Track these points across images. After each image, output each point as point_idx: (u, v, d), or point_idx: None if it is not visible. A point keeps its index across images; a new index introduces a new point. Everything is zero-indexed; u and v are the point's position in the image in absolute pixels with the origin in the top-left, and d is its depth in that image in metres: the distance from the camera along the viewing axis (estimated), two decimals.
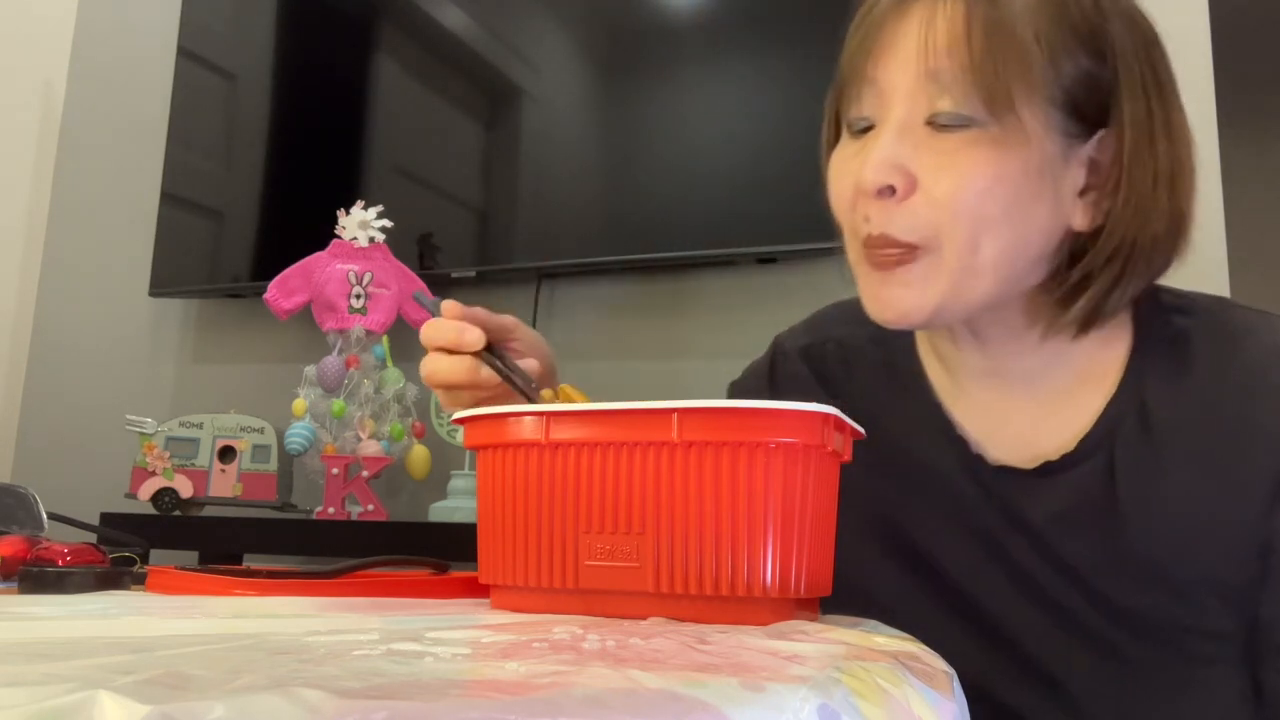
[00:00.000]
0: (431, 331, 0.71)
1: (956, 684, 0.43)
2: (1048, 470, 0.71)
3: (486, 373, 0.70)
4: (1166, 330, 0.71)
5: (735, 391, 0.91)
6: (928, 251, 0.65)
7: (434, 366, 0.71)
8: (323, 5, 2.08)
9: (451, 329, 0.70)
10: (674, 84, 1.74)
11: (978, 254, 0.64)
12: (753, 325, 1.76)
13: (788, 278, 1.68)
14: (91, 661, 0.31)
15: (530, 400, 0.68)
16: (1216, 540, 0.67)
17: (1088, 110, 0.65)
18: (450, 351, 0.70)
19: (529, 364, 0.73)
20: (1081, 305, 0.67)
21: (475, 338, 0.69)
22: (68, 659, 0.31)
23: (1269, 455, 0.67)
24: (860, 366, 0.82)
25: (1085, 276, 0.67)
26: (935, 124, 0.64)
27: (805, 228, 1.61)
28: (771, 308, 1.69)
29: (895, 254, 0.65)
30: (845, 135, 0.70)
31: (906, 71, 0.65)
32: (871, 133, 0.67)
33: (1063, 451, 0.71)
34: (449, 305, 0.71)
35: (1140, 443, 0.69)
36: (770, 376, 0.87)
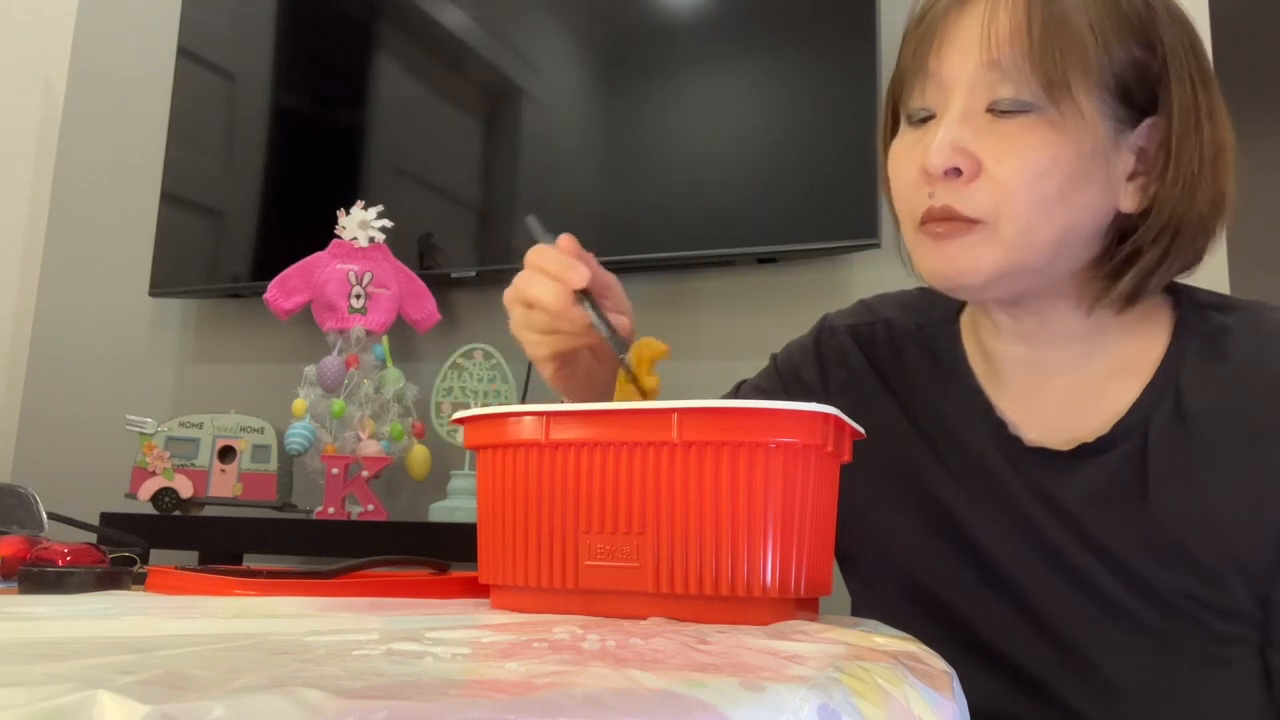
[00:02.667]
0: (539, 255, 0.72)
1: (956, 684, 0.43)
2: (1082, 452, 0.74)
3: (577, 312, 0.70)
4: (1204, 325, 0.74)
5: (779, 365, 0.93)
6: (987, 225, 0.68)
7: (529, 282, 0.71)
8: (323, 5, 2.08)
9: (561, 259, 0.71)
10: (674, 84, 1.74)
11: (1034, 231, 0.68)
12: (753, 325, 1.76)
13: (788, 278, 1.68)
14: (91, 661, 0.31)
15: (618, 350, 0.69)
16: (1241, 524, 0.69)
17: (1137, 98, 0.69)
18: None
19: (620, 320, 0.73)
20: (1129, 279, 0.71)
21: (581, 275, 0.70)
22: (68, 659, 0.31)
23: None
24: (906, 349, 0.85)
25: (1134, 252, 0.71)
26: (995, 110, 0.68)
27: (805, 228, 1.62)
28: (771, 308, 1.69)
29: (955, 226, 0.69)
30: (904, 125, 0.74)
31: (968, 62, 0.69)
32: (932, 121, 0.71)
33: (1098, 434, 0.73)
34: (565, 238, 0.72)
35: (1173, 428, 0.72)
36: (815, 351, 0.90)
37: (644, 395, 0.70)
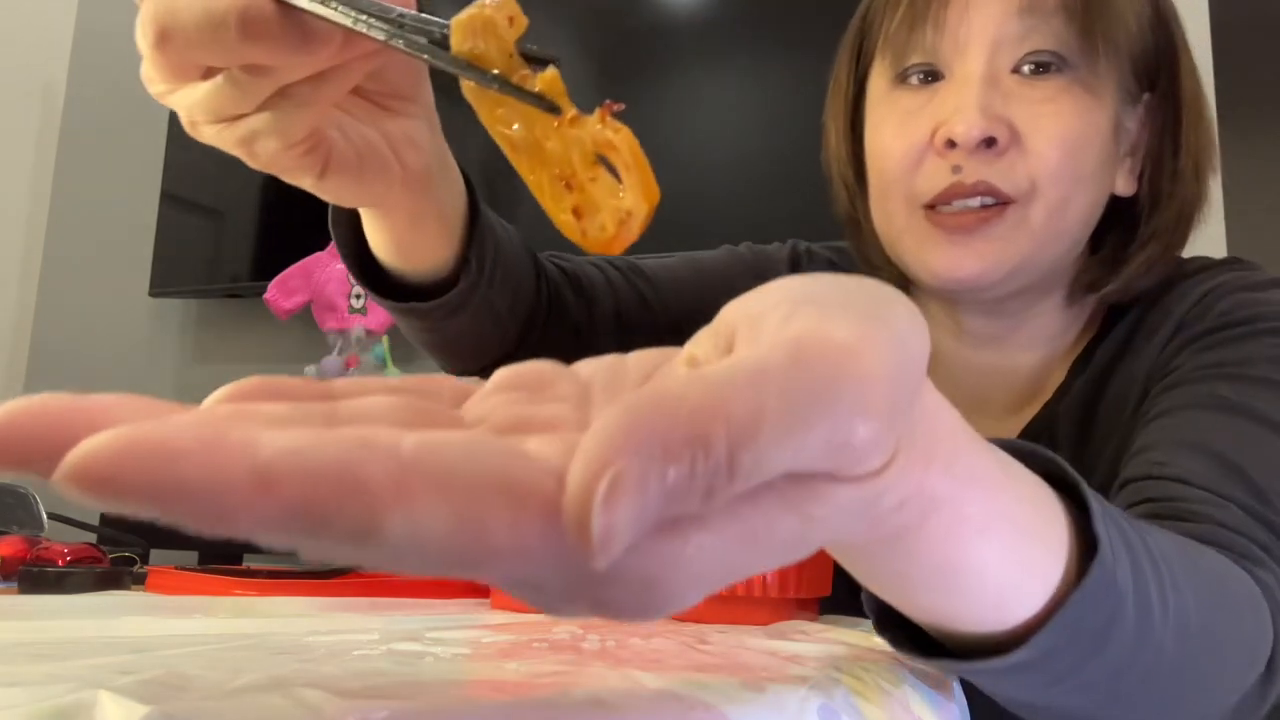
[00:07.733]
0: None
1: (957, 684, 0.43)
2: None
3: (272, 16, 0.38)
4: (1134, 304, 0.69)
5: (746, 256, 0.88)
6: (1018, 206, 0.61)
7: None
8: None
9: None
10: (675, 85, 1.74)
11: (1065, 212, 0.61)
12: None
13: None
14: (91, 661, 0.31)
15: (432, 37, 0.39)
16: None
17: (1143, 78, 0.65)
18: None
19: None
20: (1133, 271, 0.65)
21: None
22: (68, 659, 0.31)
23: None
24: None
25: (1137, 244, 0.65)
26: (1023, 70, 0.61)
27: (805, 228, 1.61)
28: None
29: (983, 215, 0.61)
30: (889, 87, 0.65)
31: (993, 8, 0.61)
32: (944, 83, 0.62)
33: (1009, 413, 0.70)
34: None
35: (1081, 398, 0.67)
36: (791, 263, 0.87)
37: (545, 104, 0.39)
